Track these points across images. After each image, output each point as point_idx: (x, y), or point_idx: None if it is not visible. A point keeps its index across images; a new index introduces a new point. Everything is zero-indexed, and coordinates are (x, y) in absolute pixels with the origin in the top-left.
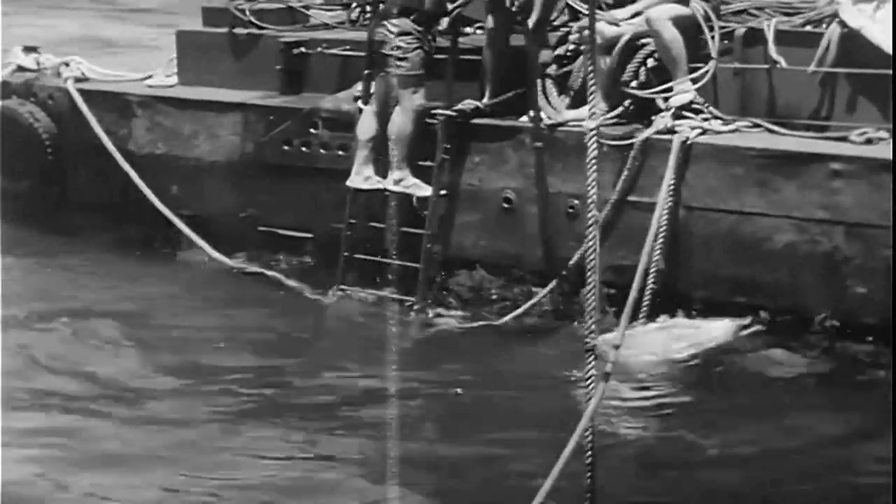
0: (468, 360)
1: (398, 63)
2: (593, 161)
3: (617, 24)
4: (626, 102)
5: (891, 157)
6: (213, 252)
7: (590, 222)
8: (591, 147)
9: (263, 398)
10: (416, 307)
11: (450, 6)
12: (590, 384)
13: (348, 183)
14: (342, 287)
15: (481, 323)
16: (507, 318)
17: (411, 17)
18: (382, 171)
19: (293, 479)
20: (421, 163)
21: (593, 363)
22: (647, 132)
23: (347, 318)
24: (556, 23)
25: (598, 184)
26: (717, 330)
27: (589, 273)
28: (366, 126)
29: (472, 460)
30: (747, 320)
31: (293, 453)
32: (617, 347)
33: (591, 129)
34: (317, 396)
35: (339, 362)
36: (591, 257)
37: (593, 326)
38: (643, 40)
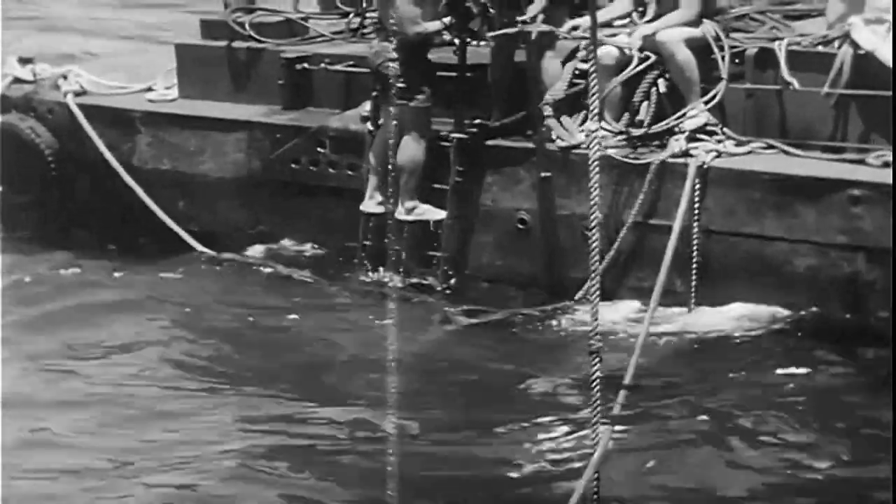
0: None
1: (409, 97)
2: (595, 164)
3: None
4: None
5: None
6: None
7: (592, 224)
8: (593, 149)
9: None
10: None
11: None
12: (595, 387)
13: (362, 207)
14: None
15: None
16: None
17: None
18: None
19: None
20: (435, 185)
21: (598, 366)
22: (662, 155)
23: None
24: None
25: (616, 206)
26: None
27: (592, 275)
28: (377, 152)
29: None
30: None
31: None
32: (629, 389)
33: (593, 131)
34: None
35: None
36: (594, 261)
37: (597, 330)
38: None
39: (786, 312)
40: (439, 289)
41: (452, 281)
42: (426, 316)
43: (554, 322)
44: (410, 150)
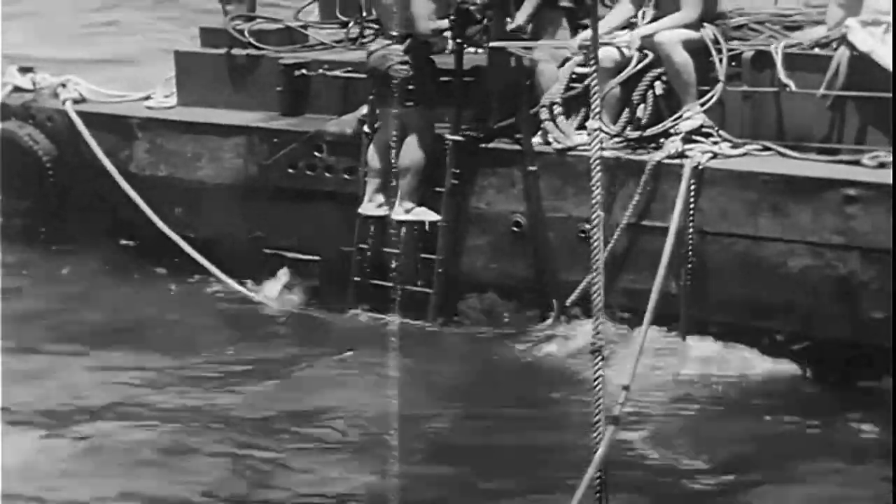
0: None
1: (417, 99)
2: (597, 162)
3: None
4: (636, 134)
5: None
6: (226, 278)
7: (594, 222)
8: (594, 147)
9: None
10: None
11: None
12: (597, 386)
13: (360, 210)
14: (355, 312)
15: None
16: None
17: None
18: (393, 198)
19: None
20: (437, 188)
21: (600, 364)
22: (657, 156)
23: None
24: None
25: (610, 207)
26: None
27: (594, 274)
28: (376, 156)
29: None
30: None
31: None
32: (626, 388)
33: (594, 129)
34: None
35: None
36: (596, 257)
37: (599, 328)
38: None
39: (779, 336)
40: (433, 293)
41: (447, 285)
42: (422, 330)
43: (544, 332)
44: (415, 151)
